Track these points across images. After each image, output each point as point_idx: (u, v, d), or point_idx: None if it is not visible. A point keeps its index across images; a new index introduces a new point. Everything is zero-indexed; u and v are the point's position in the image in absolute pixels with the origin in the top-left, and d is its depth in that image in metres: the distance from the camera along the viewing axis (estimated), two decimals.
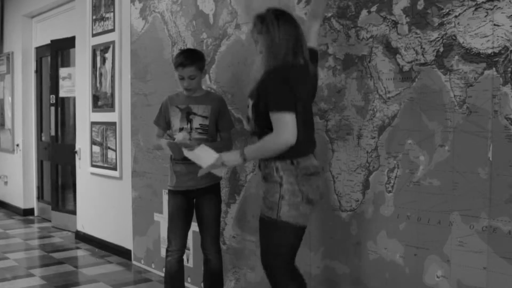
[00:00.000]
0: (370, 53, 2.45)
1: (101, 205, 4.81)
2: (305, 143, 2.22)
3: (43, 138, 6.35)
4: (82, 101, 5.06)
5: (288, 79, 2.15)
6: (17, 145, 6.60)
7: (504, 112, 1.99)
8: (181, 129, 2.89)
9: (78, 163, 5.18)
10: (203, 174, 2.46)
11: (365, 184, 2.49)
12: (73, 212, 5.53)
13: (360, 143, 2.51)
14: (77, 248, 4.92)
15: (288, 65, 2.19)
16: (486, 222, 2.05)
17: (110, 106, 4.57)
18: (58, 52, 5.84)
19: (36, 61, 6.44)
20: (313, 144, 2.32)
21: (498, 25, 1.99)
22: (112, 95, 4.53)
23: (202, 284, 3.14)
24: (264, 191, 2.28)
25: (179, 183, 2.94)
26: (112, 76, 4.51)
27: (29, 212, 6.54)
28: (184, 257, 3.03)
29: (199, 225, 3.00)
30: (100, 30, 4.66)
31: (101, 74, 4.69)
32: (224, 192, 3.22)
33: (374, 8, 2.43)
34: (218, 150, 2.54)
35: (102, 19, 4.63)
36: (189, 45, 3.54)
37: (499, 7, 1.99)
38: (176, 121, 2.93)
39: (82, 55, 5.01)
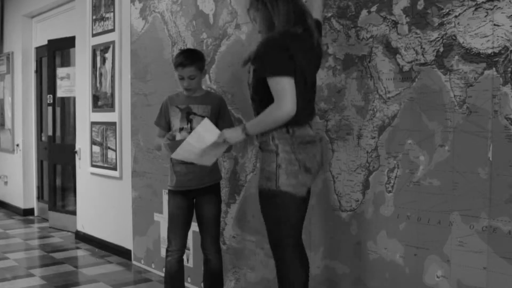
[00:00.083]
0: (370, 53, 2.45)
1: (101, 205, 4.81)
2: (301, 112, 2.16)
3: (43, 138, 6.34)
4: (82, 101, 5.06)
5: (287, 46, 2.11)
6: (17, 145, 6.60)
7: (504, 112, 1.99)
8: (181, 129, 2.89)
9: (78, 163, 5.17)
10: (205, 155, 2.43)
11: (365, 184, 2.49)
12: (71, 212, 5.53)
13: (360, 143, 2.51)
14: (77, 248, 4.92)
15: (287, 33, 2.15)
16: (486, 222, 2.05)
17: (110, 106, 4.57)
18: (55, 52, 5.83)
19: (36, 61, 6.43)
20: (310, 114, 2.29)
21: (498, 25, 1.99)
22: (112, 95, 4.53)
23: (202, 284, 3.14)
24: (261, 162, 2.25)
25: (179, 183, 2.94)
26: (112, 76, 4.51)
27: (29, 212, 6.53)
28: (184, 257, 3.03)
29: (199, 225, 3.00)
30: (100, 30, 4.66)
31: (101, 74, 4.69)
32: (224, 192, 3.22)
33: (374, 8, 2.43)
34: None
35: (102, 19, 4.63)
36: (189, 45, 3.54)
37: (499, 7, 1.99)
38: (176, 121, 2.93)
39: (82, 55, 5.01)
